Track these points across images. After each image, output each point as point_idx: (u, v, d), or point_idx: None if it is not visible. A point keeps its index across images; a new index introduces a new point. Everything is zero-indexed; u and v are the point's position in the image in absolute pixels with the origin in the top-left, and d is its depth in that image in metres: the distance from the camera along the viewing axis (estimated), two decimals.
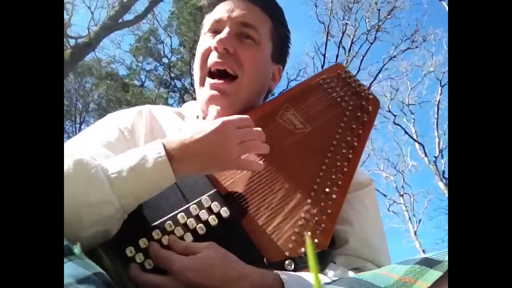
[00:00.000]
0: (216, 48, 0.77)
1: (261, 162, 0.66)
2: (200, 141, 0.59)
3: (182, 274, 0.54)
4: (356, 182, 0.76)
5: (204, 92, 0.79)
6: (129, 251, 0.57)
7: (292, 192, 0.70)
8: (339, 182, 0.71)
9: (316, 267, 0.16)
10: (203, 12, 0.89)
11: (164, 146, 0.58)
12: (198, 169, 0.62)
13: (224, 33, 0.77)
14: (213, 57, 0.78)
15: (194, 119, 0.84)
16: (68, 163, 0.54)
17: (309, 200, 0.69)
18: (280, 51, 0.88)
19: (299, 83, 0.87)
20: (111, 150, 0.71)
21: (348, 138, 0.77)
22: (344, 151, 0.75)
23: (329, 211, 0.68)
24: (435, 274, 0.42)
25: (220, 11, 0.81)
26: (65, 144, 0.73)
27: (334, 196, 0.70)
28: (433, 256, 0.46)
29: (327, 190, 0.70)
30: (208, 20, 0.83)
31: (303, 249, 0.64)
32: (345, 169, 0.73)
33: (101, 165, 0.56)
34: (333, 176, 0.72)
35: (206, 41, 0.81)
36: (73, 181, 0.53)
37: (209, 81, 0.79)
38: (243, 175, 0.71)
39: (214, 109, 0.72)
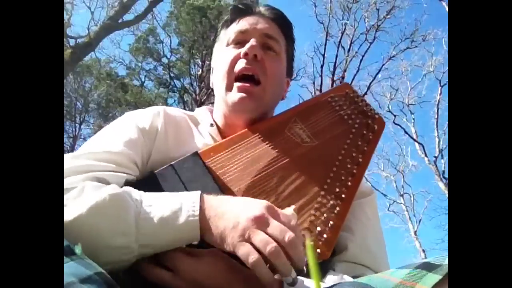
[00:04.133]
0: (246, 54, 0.81)
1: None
2: (228, 216, 0.55)
3: (188, 274, 0.55)
4: (359, 192, 0.78)
5: (232, 96, 0.82)
6: None
7: (297, 203, 0.71)
8: (343, 196, 0.73)
9: (317, 274, 0.17)
10: (219, 26, 0.94)
11: (200, 205, 0.57)
12: (211, 238, 0.56)
13: (253, 41, 0.82)
14: (242, 64, 0.82)
15: (208, 126, 0.86)
16: (104, 195, 0.54)
17: (312, 212, 0.71)
18: (290, 64, 0.95)
19: (308, 100, 0.91)
20: (133, 149, 0.72)
21: (354, 154, 0.79)
22: (349, 166, 0.77)
23: (332, 222, 0.70)
24: (434, 277, 0.43)
25: (245, 24, 0.86)
26: (87, 143, 0.74)
27: (337, 208, 0.72)
28: (432, 260, 0.46)
29: (331, 202, 0.72)
30: (231, 32, 0.87)
31: (305, 259, 0.64)
32: (349, 183, 0.75)
33: (135, 204, 0.56)
34: (337, 190, 0.74)
35: (231, 51, 0.85)
36: (104, 216, 0.53)
37: (237, 84, 0.81)
38: (250, 185, 0.72)
39: (291, 211, 0.61)
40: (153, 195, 0.59)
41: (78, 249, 0.45)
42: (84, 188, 0.57)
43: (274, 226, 0.53)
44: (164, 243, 0.56)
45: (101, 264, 0.50)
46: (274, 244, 0.51)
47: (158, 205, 0.57)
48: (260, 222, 0.53)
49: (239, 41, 0.85)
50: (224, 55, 0.87)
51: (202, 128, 0.86)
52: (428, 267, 0.45)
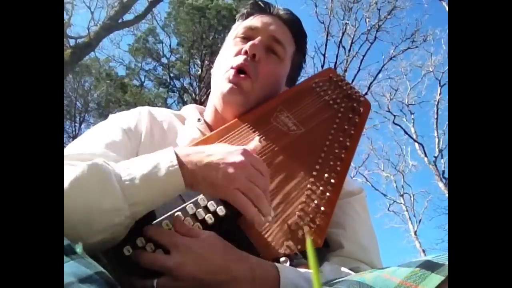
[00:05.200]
0: (246, 52, 0.82)
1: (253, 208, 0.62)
2: (213, 164, 0.60)
3: (185, 253, 0.56)
4: (348, 191, 0.81)
5: (223, 85, 0.83)
6: (127, 250, 0.58)
7: (287, 191, 0.72)
8: (332, 181, 0.74)
9: (315, 261, 0.18)
10: (236, 17, 0.95)
11: (177, 155, 0.59)
12: (202, 187, 0.61)
13: (256, 40, 0.82)
14: (239, 59, 0.82)
15: (195, 121, 0.87)
16: (83, 167, 0.55)
17: (303, 199, 0.71)
18: (294, 76, 0.94)
19: (292, 87, 0.91)
20: (116, 151, 0.72)
21: (341, 139, 0.79)
22: (337, 151, 0.77)
23: (323, 209, 0.70)
24: (436, 279, 0.42)
25: (257, 21, 0.87)
26: (69, 145, 0.74)
27: (328, 194, 0.72)
28: (434, 258, 0.46)
29: (321, 189, 0.73)
30: (242, 26, 0.88)
31: (299, 247, 0.65)
32: (338, 168, 0.75)
33: (114, 170, 0.57)
34: (327, 175, 0.74)
35: (237, 43, 0.86)
36: (87, 186, 0.54)
37: (230, 72, 0.82)
38: None
39: (256, 143, 0.70)
40: (127, 162, 0.61)
41: (78, 248, 0.45)
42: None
43: (254, 174, 0.61)
44: (151, 197, 0.58)
45: (98, 233, 0.54)
46: (259, 190, 0.60)
47: (136, 166, 0.58)
48: (243, 169, 0.60)
49: (246, 36, 0.86)
50: (228, 47, 0.88)
51: (189, 124, 0.87)
52: (430, 266, 0.44)
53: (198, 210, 0.65)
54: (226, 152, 0.62)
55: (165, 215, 0.64)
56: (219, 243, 0.59)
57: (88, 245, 0.51)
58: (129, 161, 0.61)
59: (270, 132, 0.79)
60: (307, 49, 0.95)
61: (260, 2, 0.91)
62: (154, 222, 0.63)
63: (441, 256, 0.46)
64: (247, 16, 0.91)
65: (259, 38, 0.83)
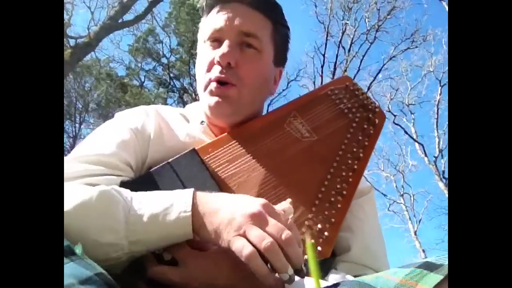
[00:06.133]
0: (218, 62, 0.77)
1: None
2: (224, 212, 0.55)
3: (193, 268, 0.55)
4: (358, 190, 0.77)
5: (208, 99, 0.79)
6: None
7: (297, 199, 0.69)
8: (344, 192, 0.72)
9: (317, 271, 0.17)
10: (200, 13, 0.87)
11: (193, 201, 0.56)
12: (205, 233, 0.56)
13: (225, 47, 0.76)
14: (216, 71, 0.77)
15: (199, 125, 0.84)
16: (92, 192, 0.53)
17: (313, 208, 0.70)
18: (282, 52, 0.87)
19: (307, 93, 0.89)
20: (126, 151, 0.71)
21: (354, 149, 0.78)
22: (349, 161, 0.76)
23: (332, 220, 0.69)
24: (435, 278, 0.42)
25: (220, 20, 0.79)
26: (79, 145, 0.73)
27: (338, 205, 0.71)
28: (434, 260, 0.46)
29: (332, 199, 0.71)
30: (208, 27, 0.81)
31: (306, 257, 0.62)
32: (350, 179, 0.74)
33: (125, 201, 0.55)
34: (338, 186, 0.73)
35: (208, 50, 0.80)
36: (91, 213, 0.52)
37: (212, 85, 0.78)
38: (248, 180, 0.72)
39: (287, 206, 0.62)
40: (144, 193, 0.58)
41: (78, 249, 0.45)
42: (73, 188, 0.56)
43: (271, 224, 0.52)
44: (154, 239, 0.55)
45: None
46: (270, 239, 0.50)
47: (149, 202, 0.56)
48: (257, 219, 0.52)
49: (215, 39, 0.79)
50: (201, 53, 0.82)
51: (193, 125, 0.84)
52: (430, 267, 0.44)
53: None
54: (243, 200, 0.56)
55: None
56: (227, 261, 0.56)
57: None
58: (145, 194, 0.58)
59: (282, 137, 0.77)
60: (285, 17, 0.87)
61: None
62: None
63: (441, 258, 0.46)
64: (209, 9, 0.82)
65: (227, 43, 0.77)
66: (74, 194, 0.53)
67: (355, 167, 0.76)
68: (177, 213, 0.54)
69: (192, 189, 0.58)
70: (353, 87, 0.87)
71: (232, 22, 0.77)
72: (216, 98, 0.77)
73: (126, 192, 0.58)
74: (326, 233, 0.67)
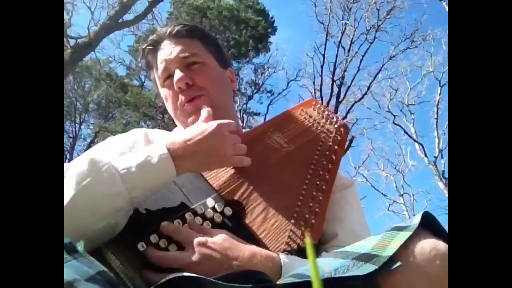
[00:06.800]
0: (179, 88, 0.90)
1: (248, 158, 0.80)
2: (200, 142, 0.71)
3: (200, 251, 0.62)
4: (340, 184, 0.92)
5: (187, 118, 0.92)
6: (141, 246, 0.64)
7: (284, 197, 0.83)
8: (323, 187, 0.86)
9: (317, 271, 0.19)
10: (151, 68, 1.01)
11: (167, 147, 0.69)
12: (198, 166, 0.73)
13: (177, 74, 0.90)
14: (182, 97, 0.91)
15: None
16: (82, 163, 0.63)
17: (299, 203, 0.82)
18: (221, 56, 1.02)
19: (281, 113, 1.07)
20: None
21: (327, 153, 0.93)
22: (324, 162, 0.91)
23: (317, 210, 0.82)
24: (405, 235, 0.50)
25: (163, 61, 0.94)
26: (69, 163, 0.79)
27: (320, 198, 0.84)
28: (401, 224, 0.54)
29: (313, 193, 0.85)
30: (158, 73, 0.96)
31: (297, 244, 0.75)
32: (327, 177, 0.89)
33: (111, 162, 0.65)
34: (318, 183, 0.87)
35: (168, 90, 0.95)
36: (89, 177, 0.61)
37: (186, 107, 0.91)
38: (240, 183, 0.83)
39: (206, 111, 0.83)
40: (121, 158, 0.69)
41: (80, 246, 0.45)
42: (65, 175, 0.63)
43: (233, 137, 0.76)
44: (148, 183, 0.67)
45: (102, 218, 0.61)
46: (241, 145, 0.78)
47: (130, 158, 0.68)
48: (224, 137, 0.74)
49: (167, 77, 0.93)
50: (165, 96, 0.96)
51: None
52: (399, 228, 0.53)
53: (207, 210, 0.74)
54: (200, 128, 0.73)
55: (176, 215, 0.71)
56: (230, 241, 0.65)
57: (95, 232, 0.61)
58: (123, 157, 0.71)
59: (264, 148, 0.93)
60: (205, 31, 1.05)
61: (148, 46, 0.99)
62: (165, 222, 0.68)
63: (407, 222, 0.53)
64: (153, 63, 0.98)
65: (177, 71, 0.90)
66: (69, 173, 0.62)
67: (330, 166, 0.90)
68: (157, 156, 0.67)
69: (159, 141, 0.71)
70: (319, 105, 1.05)
71: (171, 56, 0.93)
72: (193, 113, 0.90)
73: (106, 158, 0.67)
74: (312, 221, 0.80)
